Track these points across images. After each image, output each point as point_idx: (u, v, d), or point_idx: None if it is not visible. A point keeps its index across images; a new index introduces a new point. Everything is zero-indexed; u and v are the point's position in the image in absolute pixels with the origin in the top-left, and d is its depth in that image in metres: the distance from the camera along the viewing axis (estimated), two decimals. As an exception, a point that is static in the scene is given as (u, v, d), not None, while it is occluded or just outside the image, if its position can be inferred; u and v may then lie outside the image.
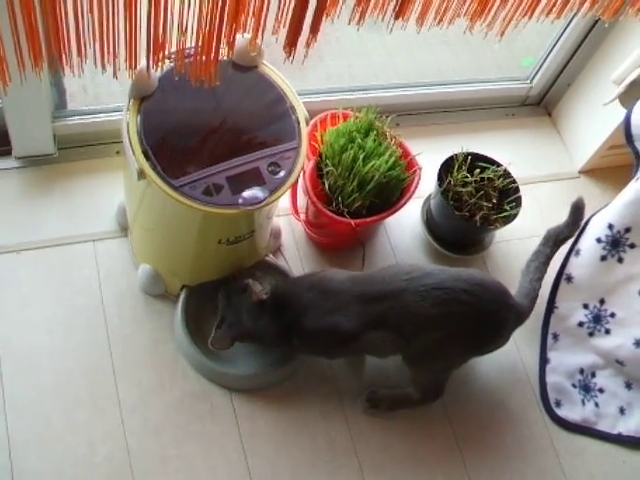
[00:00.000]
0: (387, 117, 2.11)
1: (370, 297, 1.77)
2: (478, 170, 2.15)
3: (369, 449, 1.91)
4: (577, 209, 2.00)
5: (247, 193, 1.62)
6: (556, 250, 2.00)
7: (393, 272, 1.82)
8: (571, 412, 2.10)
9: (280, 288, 1.85)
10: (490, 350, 1.92)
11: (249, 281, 1.84)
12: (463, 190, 2.11)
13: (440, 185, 2.12)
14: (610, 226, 2.05)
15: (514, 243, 2.32)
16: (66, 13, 1.24)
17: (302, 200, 2.12)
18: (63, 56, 1.31)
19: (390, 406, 1.95)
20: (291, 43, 1.44)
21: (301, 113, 1.73)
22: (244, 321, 1.82)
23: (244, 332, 1.84)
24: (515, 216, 2.13)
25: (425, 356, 1.84)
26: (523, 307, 1.90)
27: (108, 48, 1.33)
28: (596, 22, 2.30)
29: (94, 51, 1.33)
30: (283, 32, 1.42)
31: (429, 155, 2.11)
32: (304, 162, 1.71)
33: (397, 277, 1.78)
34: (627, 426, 2.11)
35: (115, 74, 1.38)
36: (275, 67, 1.74)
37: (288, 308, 1.81)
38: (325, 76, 2.71)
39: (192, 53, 1.42)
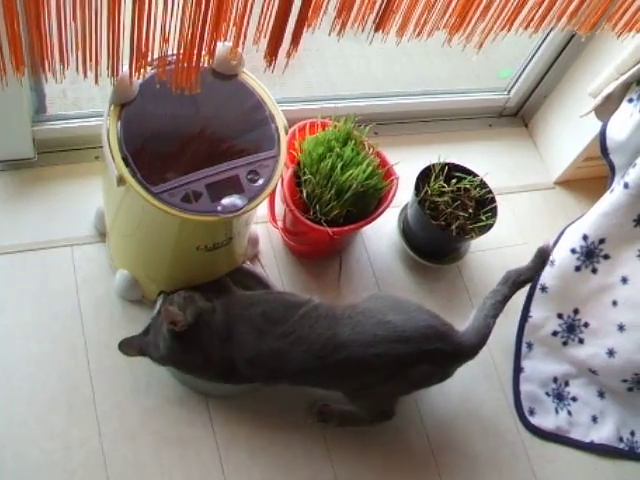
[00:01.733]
0: (365, 126, 2.12)
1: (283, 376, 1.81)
2: (455, 180, 2.17)
3: (344, 457, 1.92)
4: (542, 255, 1.98)
5: (226, 201, 1.62)
6: (515, 291, 1.95)
7: (307, 346, 1.74)
8: (544, 420, 2.12)
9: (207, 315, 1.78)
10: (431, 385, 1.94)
11: (167, 307, 1.72)
12: (440, 200, 2.13)
13: (417, 194, 2.14)
14: (585, 237, 2.07)
15: (490, 253, 2.34)
16: (49, 20, 1.25)
17: (280, 208, 2.12)
18: (45, 62, 1.31)
19: (340, 422, 1.95)
20: (272, 53, 1.45)
21: (280, 121, 1.73)
22: (159, 346, 1.75)
23: (155, 357, 1.78)
24: (491, 226, 2.14)
25: (357, 396, 1.87)
26: (468, 345, 1.85)
27: (90, 55, 1.33)
28: (573, 35, 2.33)
29: (76, 58, 1.33)
30: (264, 42, 1.43)
31: (406, 164, 2.12)
32: (283, 170, 1.72)
33: (311, 355, 1.74)
34: (599, 434, 2.13)
35: (97, 80, 1.38)
36: (255, 75, 1.74)
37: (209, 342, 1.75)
38: (304, 84, 2.71)
39: (173, 60, 1.42)
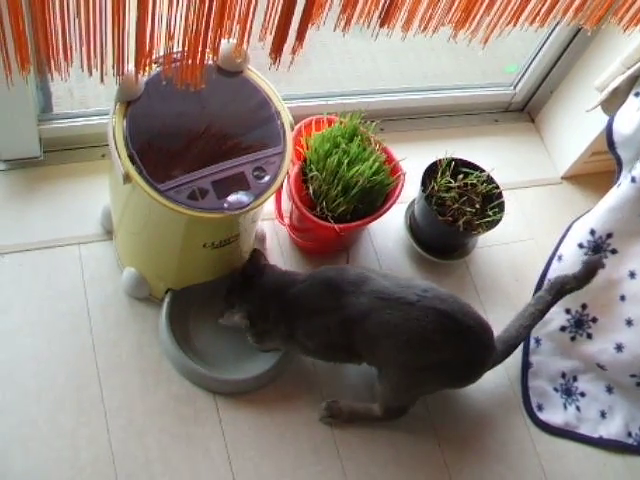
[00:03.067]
0: (372, 122, 2.12)
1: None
2: (462, 175, 2.16)
3: (352, 453, 1.92)
4: (591, 267, 1.98)
5: (232, 197, 1.62)
6: (558, 299, 1.97)
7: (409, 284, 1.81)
8: (553, 416, 2.11)
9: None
10: (454, 387, 2.00)
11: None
12: (446, 195, 2.13)
13: (424, 190, 2.13)
14: (592, 232, 2.07)
15: (497, 248, 2.34)
16: (54, 18, 1.25)
17: (287, 204, 2.13)
18: (50, 60, 1.32)
19: (349, 418, 1.95)
20: (277, 50, 1.45)
21: (286, 118, 1.73)
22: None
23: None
24: (498, 221, 2.14)
25: (394, 374, 1.86)
26: (497, 354, 1.91)
27: (95, 53, 1.33)
28: (579, 30, 2.32)
29: (81, 55, 1.33)
30: (269, 38, 1.43)
31: (413, 160, 2.12)
32: (289, 167, 1.72)
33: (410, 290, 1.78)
34: (608, 430, 2.13)
35: (102, 78, 1.38)
36: (260, 71, 1.74)
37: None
38: (310, 80, 2.71)
39: (179, 58, 1.43)
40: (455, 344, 1.79)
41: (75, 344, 1.89)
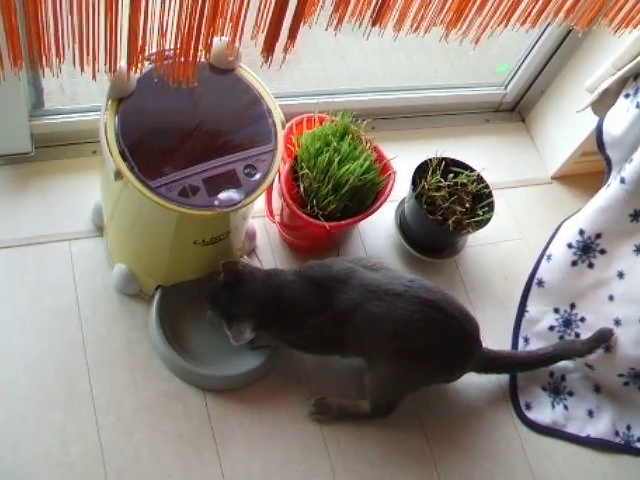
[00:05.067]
0: (363, 121, 2.12)
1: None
2: (452, 175, 2.17)
3: (341, 450, 1.92)
4: (601, 336, 2.03)
5: (223, 195, 1.62)
6: (559, 357, 2.05)
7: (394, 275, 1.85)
8: (541, 415, 2.12)
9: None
10: (439, 381, 2.01)
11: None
12: (437, 194, 2.13)
13: (414, 189, 2.14)
14: (581, 232, 2.08)
15: (487, 247, 2.34)
16: (46, 14, 1.25)
17: (277, 202, 2.13)
18: (43, 57, 1.31)
19: (337, 415, 1.95)
20: (269, 48, 1.45)
21: (277, 116, 1.74)
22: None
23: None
24: (488, 221, 2.14)
25: (381, 365, 1.86)
26: (484, 357, 1.96)
27: (88, 49, 1.33)
28: (570, 31, 2.33)
29: (73, 52, 1.33)
30: (261, 36, 1.43)
31: (403, 159, 2.13)
32: (280, 165, 1.72)
33: (399, 280, 1.82)
34: (595, 429, 2.14)
35: (94, 75, 1.38)
36: (252, 69, 1.74)
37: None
38: (302, 79, 2.71)
39: (171, 55, 1.43)
40: (439, 332, 1.82)
41: (65, 340, 1.89)
